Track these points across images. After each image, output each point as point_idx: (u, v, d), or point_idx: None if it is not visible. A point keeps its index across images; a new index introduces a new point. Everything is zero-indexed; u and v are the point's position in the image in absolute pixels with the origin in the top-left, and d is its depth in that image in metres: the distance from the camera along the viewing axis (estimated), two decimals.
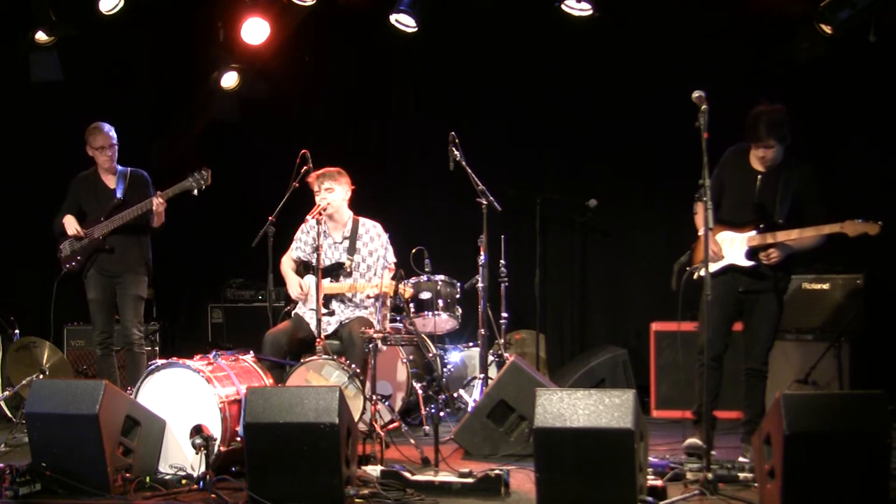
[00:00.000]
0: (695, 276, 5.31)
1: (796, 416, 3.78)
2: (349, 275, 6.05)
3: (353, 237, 6.13)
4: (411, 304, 6.14)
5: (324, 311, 5.74)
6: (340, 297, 6.06)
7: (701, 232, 5.28)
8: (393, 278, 5.77)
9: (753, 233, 5.17)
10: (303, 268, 6.23)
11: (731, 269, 5.20)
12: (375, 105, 8.08)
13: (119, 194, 6.23)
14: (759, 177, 5.21)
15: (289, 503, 4.14)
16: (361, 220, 6.20)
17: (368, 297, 6.00)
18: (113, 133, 6.28)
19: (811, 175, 5.19)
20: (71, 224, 6.21)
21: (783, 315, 5.34)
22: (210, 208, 8.26)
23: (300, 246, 6.21)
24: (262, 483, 4.20)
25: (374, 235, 6.17)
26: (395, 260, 6.10)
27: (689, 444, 5.15)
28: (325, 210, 5.90)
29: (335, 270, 6.07)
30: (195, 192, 6.01)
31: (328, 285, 5.97)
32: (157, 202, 6.02)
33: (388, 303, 6.23)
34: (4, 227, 7.88)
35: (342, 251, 6.11)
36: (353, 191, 6.11)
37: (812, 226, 5.04)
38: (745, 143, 5.21)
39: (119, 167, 6.34)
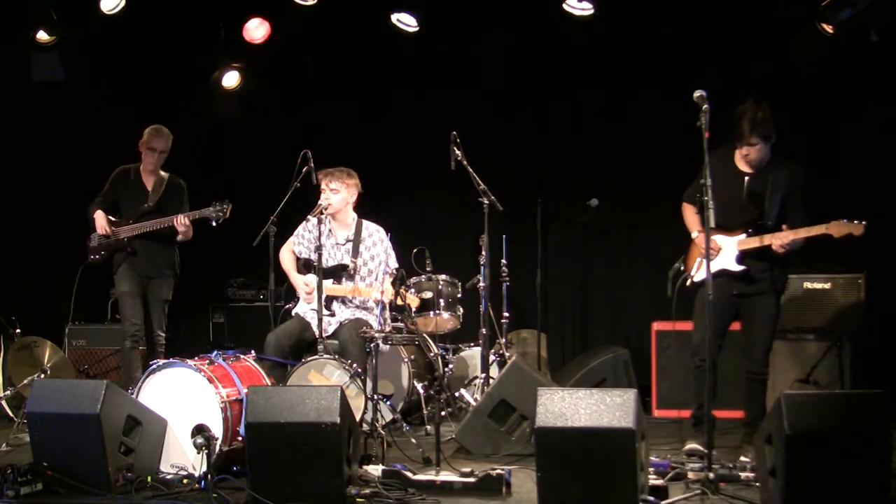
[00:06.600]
0: (688, 283, 5.30)
1: (797, 415, 3.78)
2: (352, 277, 6.05)
3: (357, 239, 6.13)
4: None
5: (325, 312, 5.73)
6: (342, 299, 6.06)
7: (694, 234, 5.29)
8: (393, 282, 5.77)
9: (743, 236, 5.14)
10: (304, 266, 6.22)
11: (724, 274, 5.15)
12: (376, 104, 8.08)
13: (151, 202, 6.33)
14: (747, 178, 5.17)
15: (290, 503, 4.14)
16: (365, 222, 6.19)
17: (376, 300, 6.00)
18: (170, 142, 6.40)
19: (800, 174, 5.14)
20: (100, 222, 6.32)
21: (784, 315, 5.31)
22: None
23: (301, 241, 6.21)
24: (263, 483, 4.20)
25: (376, 240, 6.17)
26: (396, 265, 6.05)
27: (690, 450, 5.13)
28: (325, 209, 5.88)
29: (339, 272, 6.07)
30: (213, 223, 6.08)
31: (330, 287, 5.97)
32: (181, 221, 6.13)
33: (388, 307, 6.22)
34: (5, 227, 7.87)
35: (345, 253, 6.11)
36: (359, 194, 6.11)
37: (792, 225, 5.02)
38: (730, 145, 5.17)
39: (161, 171, 6.45)
